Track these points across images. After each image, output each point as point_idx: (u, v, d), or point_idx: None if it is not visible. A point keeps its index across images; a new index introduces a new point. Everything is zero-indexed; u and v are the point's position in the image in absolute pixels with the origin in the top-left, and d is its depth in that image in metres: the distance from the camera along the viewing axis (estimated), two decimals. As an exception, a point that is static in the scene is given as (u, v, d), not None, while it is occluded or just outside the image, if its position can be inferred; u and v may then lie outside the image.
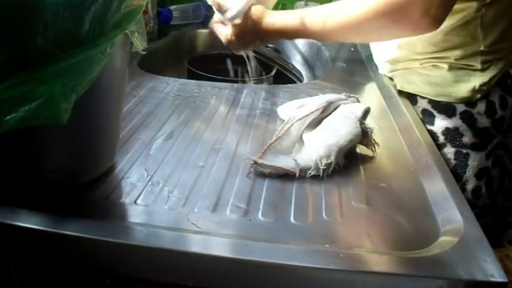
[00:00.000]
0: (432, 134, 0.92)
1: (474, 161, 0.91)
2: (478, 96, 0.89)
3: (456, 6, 0.85)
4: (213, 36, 1.15)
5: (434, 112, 0.92)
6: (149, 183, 0.67)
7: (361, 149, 0.79)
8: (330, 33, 0.88)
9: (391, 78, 1.06)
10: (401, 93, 1.00)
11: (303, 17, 0.90)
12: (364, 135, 0.76)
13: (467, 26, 0.89)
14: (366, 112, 0.79)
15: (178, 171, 0.70)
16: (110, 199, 0.63)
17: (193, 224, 0.59)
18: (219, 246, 0.54)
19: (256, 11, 0.95)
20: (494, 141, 0.92)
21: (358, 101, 0.85)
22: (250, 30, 0.97)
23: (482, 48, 0.89)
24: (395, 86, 1.03)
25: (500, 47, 0.90)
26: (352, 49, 1.40)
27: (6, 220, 0.55)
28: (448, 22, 0.87)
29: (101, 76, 0.54)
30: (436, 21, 0.78)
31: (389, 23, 0.81)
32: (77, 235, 0.54)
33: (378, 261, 0.53)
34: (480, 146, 0.91)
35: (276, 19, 0.94)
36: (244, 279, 0.54)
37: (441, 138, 0.92)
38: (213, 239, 0.56)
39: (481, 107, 0.90)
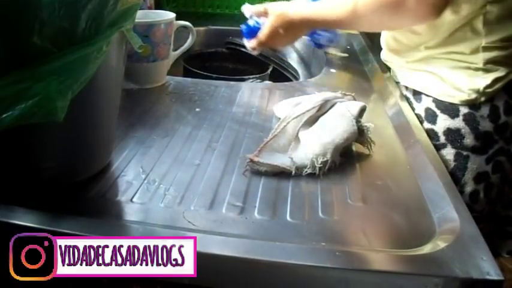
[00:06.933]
0: (433, 133, 0.92)
1: (474, 164, 0.91)
2: (482, 99, 0.88)
3: (460, 1, 0.86)
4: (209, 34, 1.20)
5: (437, 111, 0.92)
6: (145, 181, 0.66)
7: (357, 147, 0.79)
8: (342, 22, 0.96)
9: (389, 68, 1.07)
10: (408, 88, 1.00)
11: (320, 7, 0.99)
12: (360, 134, 0.77)
13: (471, 22, 0.88)
14: (362, 110, 0.79)
15: (175, 169, 0.70)
16: (106, 197, 0.63)
17: (189, 222, 0.59)
18: (215, 244, 0.54)
19: (278, 6, 1.06)
20: (496, 147, 0.91)
21: (354, 99, 0.85)
22: (280, 23, 1.04)
23: (484, 44, 0.89)
24: (393, 85, 1.03)
25: (508, 44, 0.89)
26: (348, 47, 1.40)
27: (2, 218, 0.55)
28: (451, 17, 0.87)
29: (97, 74, 0.53)
30: (434, 9, 0.81)
31: (388, 12, 0.86)
32: (73, 233, 0.54)
33: (374, 259, 0.54)
34: (481, 150, 0.91)
35: (300, 10, 1.02)
36: (240, 277, 0.54)
37: (442, 138, 0.92)
38: (209, 237, 0.56)
39: (485, 110, 0.89)
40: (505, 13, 0.87)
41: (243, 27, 1.14)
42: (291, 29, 1.04)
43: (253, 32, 1.11)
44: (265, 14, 1.09)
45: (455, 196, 0.64)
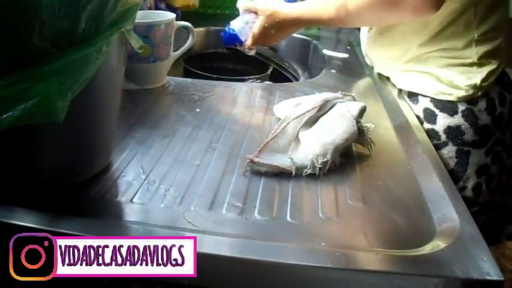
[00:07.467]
0: (434, 133, 0.92)
1: (475, 158, 0.92)
2: (479, 94, 0.90)
3: None
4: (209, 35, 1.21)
5: (436, 111, 0.92)
6: (145, 181, 0.66)
7: (357, 148, 0.79)
8: (335, 19, 0.96)
9: (388, 78, 1.07)
10: (402, 91, 1.00)
11: (312, 6, 0.99)
12: (360, 134, 0.77)
13: (463, 15, 0.89)
14: (362, 110, 0.79)
15: (175, 169, 0.70)
16: (106, 198, 0.63)
17: (189, 222, 0.59)
18: (215, 245, 0.54)
19: (267, 5, 1.07)
20: (493, 138, 0.92)
21: (355, 100, 0.85)
22: (271, 23, 1.07)
23: (476, 37, 0.89)
24: (392, 84, 1.03)
25: (494, 34, 0.90)
26: (348, 47, 1.40)
27: (2, 218, 0.55)
28: (444, 10, 0.87)
29: (97, 75, 0.53)
30: (433, 3, 0.80)
31: (387, 8, 0.86)
32: (73, 233, 0.54)
33: (374, 259, 0.53)
34: (480, 143, 0.92)
35: (292, 9, 1.03)
36: (241, 277, 0.54)
37: (443, 137, 0.92)
38: (209, 237, 0.56)
39: (482, 104, 0.91)
40: (493, 4, 0.89)
41: (222, 35, 1.19)
42: (282, 28, 1.07)
43: (231, 38, 1.16)
44: (253, 11, 1.12)
45: (455, 196, 0.64)
